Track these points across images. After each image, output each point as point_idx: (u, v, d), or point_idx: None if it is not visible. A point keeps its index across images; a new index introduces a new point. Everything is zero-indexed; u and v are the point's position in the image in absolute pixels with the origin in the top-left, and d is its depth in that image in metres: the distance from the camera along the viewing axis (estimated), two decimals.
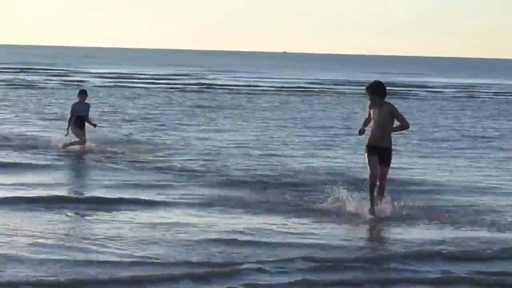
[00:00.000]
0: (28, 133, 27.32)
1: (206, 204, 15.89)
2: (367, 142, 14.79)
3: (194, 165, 20.93)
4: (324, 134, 30.40)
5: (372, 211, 14.63)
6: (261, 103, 48.29)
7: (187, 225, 13.92)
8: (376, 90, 14.58)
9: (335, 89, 71.16)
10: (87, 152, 22.73)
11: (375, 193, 14.75)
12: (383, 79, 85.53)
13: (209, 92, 60.03)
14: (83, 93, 23.23)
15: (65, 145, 23.00)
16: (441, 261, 11.99)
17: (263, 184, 18.30)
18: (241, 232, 13.45)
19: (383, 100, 14.52)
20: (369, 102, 14.67)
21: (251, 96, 56.22)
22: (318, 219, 14.62)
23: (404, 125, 14.68)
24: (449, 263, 11.90)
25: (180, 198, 16.47)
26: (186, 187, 17.90)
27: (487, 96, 66.00)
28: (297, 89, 68.41)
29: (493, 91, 75.70)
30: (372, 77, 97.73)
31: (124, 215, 14.67)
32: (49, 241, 12.41)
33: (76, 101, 23.31)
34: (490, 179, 20.28)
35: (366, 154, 14.75)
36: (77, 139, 22.90)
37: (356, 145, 25.48)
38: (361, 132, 14.77)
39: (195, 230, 13.52)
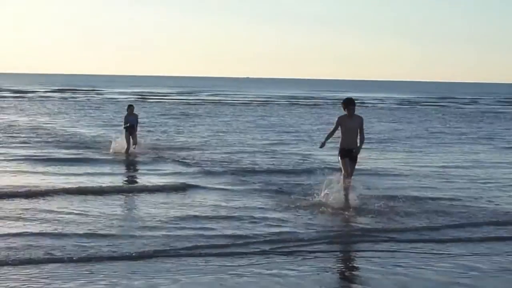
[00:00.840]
0: (88, 134, 26.78)
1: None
2: (340, 146, 13.00)
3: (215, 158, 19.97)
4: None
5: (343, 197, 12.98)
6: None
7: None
8: (354, 103, 13.11)
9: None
10: (133, 152, 21.12)
11: (347, 184, 12.95)
12: (311, 94, 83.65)
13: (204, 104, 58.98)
14: (130, 107, 21.98)
15: (115, 150, 21.35)
16: None
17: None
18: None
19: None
20: (341, 114, 13.07)
21: (236, 106, 55.21)
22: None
23: (363, 139, 13.07)
24: None
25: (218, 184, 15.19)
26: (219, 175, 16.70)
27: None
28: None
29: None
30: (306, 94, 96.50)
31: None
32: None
33: (126, 113, 21.83)
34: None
35: (339, 157, 13.03)
36: (126, 146, 21.33)
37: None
38: (322, 145, 13.07)
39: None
